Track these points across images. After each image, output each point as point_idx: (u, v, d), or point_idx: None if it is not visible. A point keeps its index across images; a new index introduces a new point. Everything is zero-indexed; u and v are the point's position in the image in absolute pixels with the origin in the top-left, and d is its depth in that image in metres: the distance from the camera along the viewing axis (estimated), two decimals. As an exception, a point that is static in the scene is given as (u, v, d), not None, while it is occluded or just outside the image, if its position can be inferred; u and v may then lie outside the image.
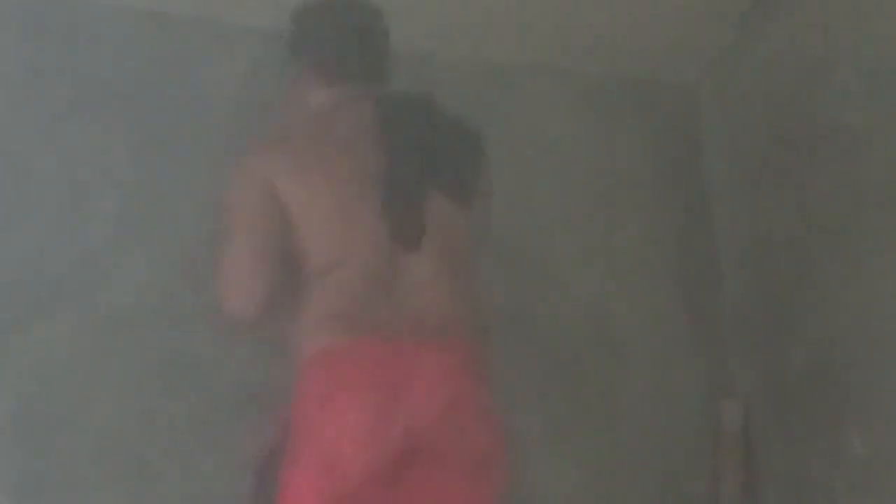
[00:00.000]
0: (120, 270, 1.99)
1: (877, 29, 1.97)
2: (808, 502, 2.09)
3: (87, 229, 2.00)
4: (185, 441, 1.92)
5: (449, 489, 1.54)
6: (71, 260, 1.97)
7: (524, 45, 2.40)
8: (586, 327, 2.29)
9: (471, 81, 2.37)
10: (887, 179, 1.92)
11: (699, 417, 2.30)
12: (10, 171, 1.99)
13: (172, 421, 1.93)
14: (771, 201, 2.28)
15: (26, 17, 2.07)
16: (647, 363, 2.30)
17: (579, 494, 2.14)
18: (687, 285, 2.42)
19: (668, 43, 2.45)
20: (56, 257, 1.96)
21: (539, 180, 2.37)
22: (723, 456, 2.24)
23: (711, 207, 2.50)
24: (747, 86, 2.40)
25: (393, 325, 1.56)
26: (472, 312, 1.65)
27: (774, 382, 2.23)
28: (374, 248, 1.60)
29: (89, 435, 1.88)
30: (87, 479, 1.85)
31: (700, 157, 2.55)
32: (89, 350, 1.93)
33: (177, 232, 2.03)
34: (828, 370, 2.06)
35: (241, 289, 1.61)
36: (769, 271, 2.28)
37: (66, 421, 1.88)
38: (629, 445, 2.21)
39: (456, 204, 1.68)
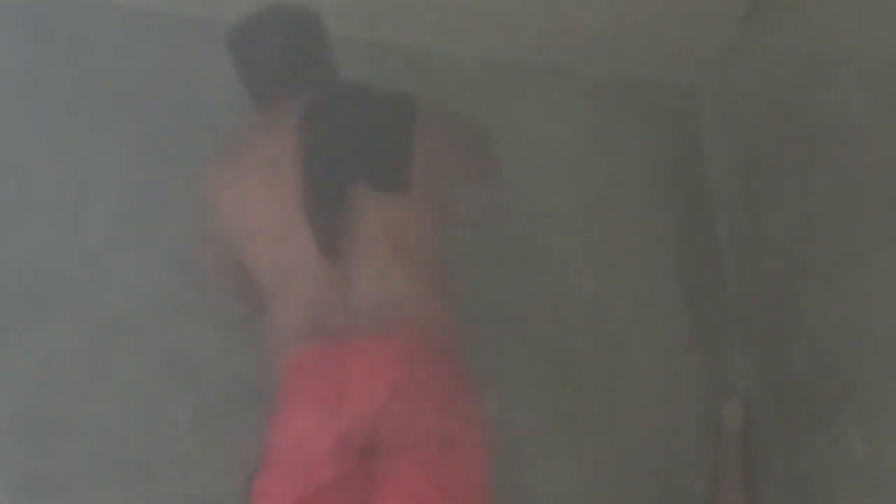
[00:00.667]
0: (120, 270, 1.99)
1: (877, 29, 1.97)
2: (808, 502, 2.09)
3: (87, 229, 2.00)
4: (185, 441, 1.93)
5: (410, 476, 1.54)
6: (71, 260, 1.97)
7: (524, 45, 2.40)
8: (586, 327, 2.29)
9: (471, 81, 2.37)
10: (888, 179, 1.92)
11: (699, 417, 2.29)
12: (10, 171, 1.99)
13: (173, 421, 1.93)
14: (771, 201, 2.27)
15: (26, 17, 2.07)
16: (647, 363, 2.30)
17: (579, 494, 2.13)
18: (687, 285, 2.41)
19: (668, 43, 2.45)
20: (56, 257, 1.96)
21: (539, 180, 2.37)
22: (723, 456, 2.24)
23: (711, 207, 2.50)
24: (747, 86, 2.40)
25: (346, 330, 1.59)
26: (429, 300, 1.65)
27: (775, 382, 2.23)
28: (315, 263, 1.63)
29: (89, 435, 1.88)
30: (87, 479, 1.85)
31: (700, 157, 2.55)
32: (89, 350, 1.93)
33: (177, 232, 2.03)
34: (828, 370, 2.05)
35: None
36: (769, 271, 2.28)
37: (66, 421, 1.88)
38: (629, 445, 2.21)
39: (392, 194, 1.68)
